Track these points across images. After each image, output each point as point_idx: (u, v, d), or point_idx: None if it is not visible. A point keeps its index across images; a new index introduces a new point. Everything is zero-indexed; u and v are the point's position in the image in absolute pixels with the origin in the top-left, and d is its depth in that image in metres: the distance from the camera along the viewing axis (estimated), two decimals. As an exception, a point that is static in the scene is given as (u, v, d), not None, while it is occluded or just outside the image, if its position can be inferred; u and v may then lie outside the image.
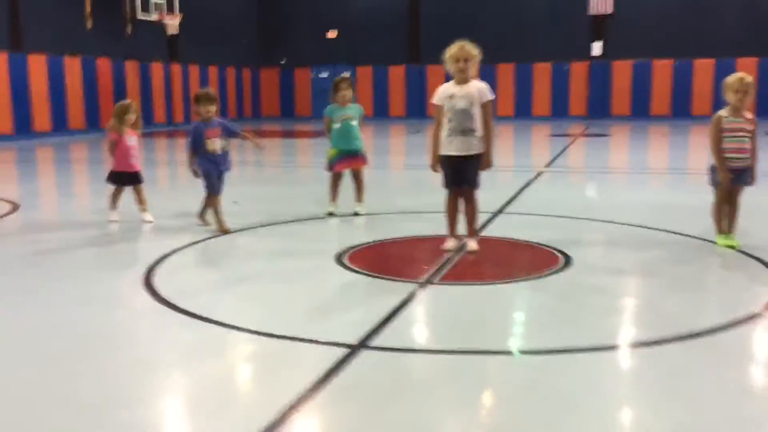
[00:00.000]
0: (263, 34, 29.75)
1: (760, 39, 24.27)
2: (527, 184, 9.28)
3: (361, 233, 6.47)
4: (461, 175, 5.39)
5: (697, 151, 13.73)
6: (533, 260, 5.27)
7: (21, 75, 18.47)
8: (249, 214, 7.25)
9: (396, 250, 5.70)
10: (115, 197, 6.90)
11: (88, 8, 20.48)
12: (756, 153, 5.47)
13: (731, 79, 5.47)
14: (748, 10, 24.82)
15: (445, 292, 4.48)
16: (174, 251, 5.56)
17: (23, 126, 18.57)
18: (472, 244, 5.45)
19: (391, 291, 4.42)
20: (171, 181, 11.09)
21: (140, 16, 21.48)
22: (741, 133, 5.42)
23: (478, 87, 5.34)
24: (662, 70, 25.58)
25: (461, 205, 5.52)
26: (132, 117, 6.80)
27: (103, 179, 7.16)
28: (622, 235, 6.32)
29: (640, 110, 25.76)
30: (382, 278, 4.74)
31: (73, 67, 20.13)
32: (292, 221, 6.84)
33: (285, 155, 15.37)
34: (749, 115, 5.46)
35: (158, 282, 4.63)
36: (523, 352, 3.43)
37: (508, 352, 3.45)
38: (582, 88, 26.44)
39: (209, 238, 6.06)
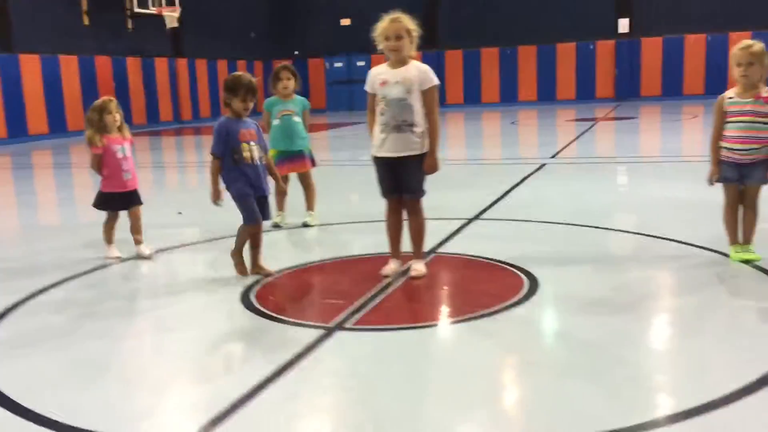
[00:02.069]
0: (274, 24, 28.74)
1: (802, 8, 22.46)
2: (522, 181, 8.07)
3: (298, 253, 5.40)
4: (399, 182, 4.29)
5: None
6: (490, 288, 4.12)
7: (13, 77, 17.77)
8: (186, 228, 6.31)
9: (324, 277, 4.61)
10: (109, 228, 5.14)
11: (84, 4, 19.72)
12: None
13: (734, 49, 4.22)
14: (788, -24, 22.98)
15: (355, 343, 3.37)
16: (55, 284, 4.57)
17: (18, 129, 17.90)
18: (418, 268, 4.35)
19: (282, 344, 3.35)
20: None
21: (137, 9, 20.61)
22: (748, 117, 4.18)
23: (418, 69, 4.24)
24: (695, 45, 23.85)
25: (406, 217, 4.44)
26: (115, 118, 5.04)
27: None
28: (614, 246, 5.17)
29: (672, 90, 24.08)
30: (284, 322, 3.67)
31: (69, 66, 19.39)
32: (231, 236, 5.80)
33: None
34: (766, 93, 4.20)
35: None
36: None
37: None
38: (609, 68, 24.87)
39: (129, 259, 5.04)
